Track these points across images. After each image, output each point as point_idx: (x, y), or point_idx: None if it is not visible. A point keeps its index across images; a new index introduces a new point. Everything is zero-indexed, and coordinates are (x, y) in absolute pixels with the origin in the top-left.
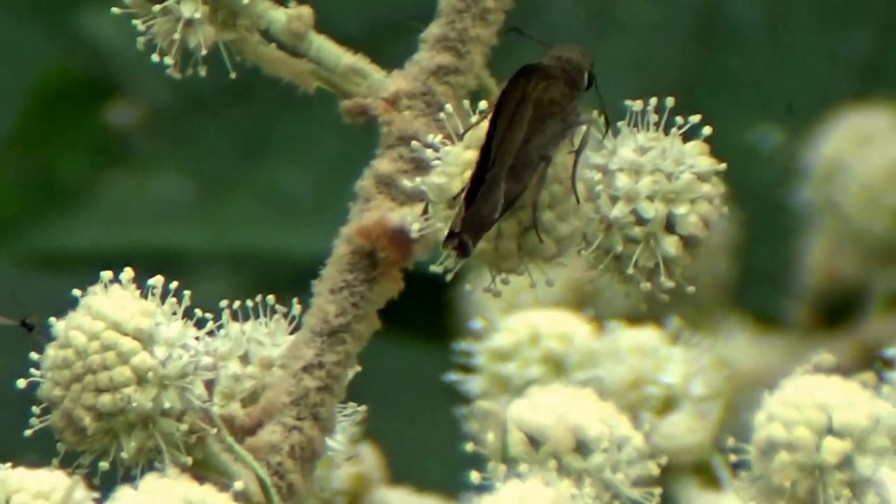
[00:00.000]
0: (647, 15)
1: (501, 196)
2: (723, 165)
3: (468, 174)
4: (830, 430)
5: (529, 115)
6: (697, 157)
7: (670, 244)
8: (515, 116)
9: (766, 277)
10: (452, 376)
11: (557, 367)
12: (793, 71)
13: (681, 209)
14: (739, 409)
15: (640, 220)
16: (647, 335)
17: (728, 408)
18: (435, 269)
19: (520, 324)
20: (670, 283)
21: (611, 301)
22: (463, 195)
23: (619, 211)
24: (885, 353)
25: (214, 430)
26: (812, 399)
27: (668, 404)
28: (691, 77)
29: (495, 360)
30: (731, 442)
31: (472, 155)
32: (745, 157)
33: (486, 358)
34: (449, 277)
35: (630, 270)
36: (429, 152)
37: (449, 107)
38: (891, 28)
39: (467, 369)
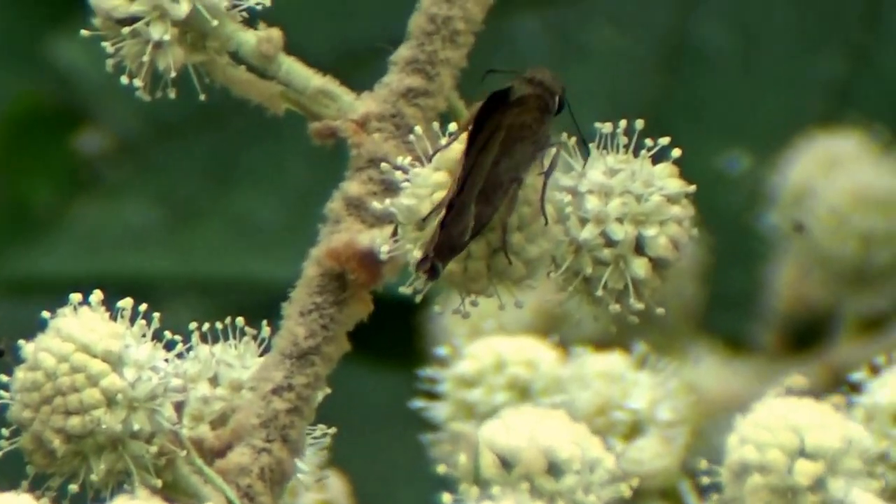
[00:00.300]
0: (615, 41)
1: (471, 219)
2: (692, 187)
3: (437, 196)
4: (803, 453)
5: (501, 138)
6: (667, 179)
7: (640, 266)
8: (488, 140)
9: (734, 301)
10: (418, 403)
11: (523, 394)
12: (761, 95)
13: (650, 231)
14: (707, 433)
15: (610, 242)
16: (614, 360)
17: (695, 432)
18: (404, 290)
19: (485, 350)
20: (639, 305)
21: (579, 325)
22: (437, 220)
23: (588, 233)
24: (851, 378)
25: (184, 453)
26: (784, 421)
27: (634, 430)
28: (659, 102)
29: (460, 386)
30: (703, 465)
31: (442, 177)
32: (714, 181)
33: (452, 384)
34: (418, 299)
35: (599, 292)
36: (398, 174)
37: (418, 129)
38: (859, 52)
39: (433, 396)
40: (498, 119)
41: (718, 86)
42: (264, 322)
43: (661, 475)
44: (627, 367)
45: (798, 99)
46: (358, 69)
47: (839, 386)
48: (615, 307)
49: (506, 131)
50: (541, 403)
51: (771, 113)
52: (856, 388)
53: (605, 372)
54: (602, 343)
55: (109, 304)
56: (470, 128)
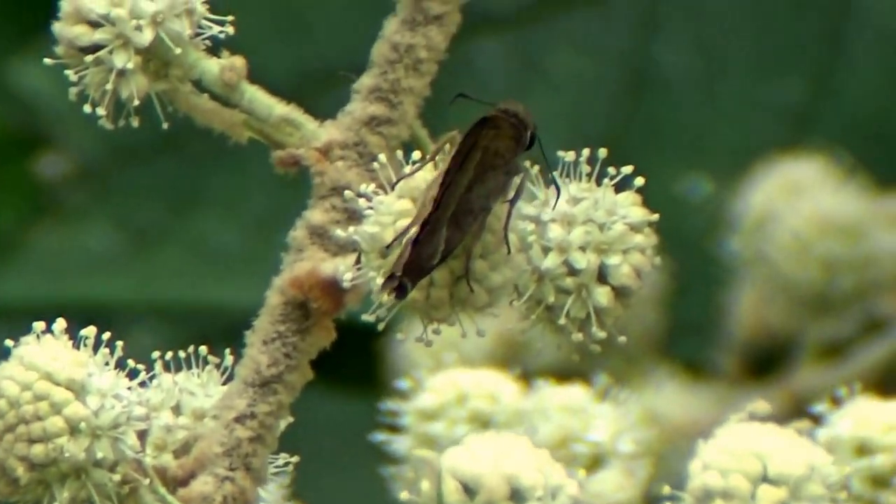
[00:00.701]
0: (577, 66)
1: (442, 242)
2: (655, 216)
3: (401, 223)
4: (766, 479)
5: (477, 159)
6: (630, 207)
7: (602, 295)
8: (464, 164)
9: (696, 327)
10: (379, 436)
11: (485, 427)
12: (723, 120)
13: (613, 260)
14: (669, 459)
15: (573, 271)
16: (575, 393)
17: (657, 458)
18: (367, 318)
19: (446, 383)
20: (602, 334)
21: (540, 355)
22: (407, 238)
23: (551, 262)
24: (812, 409)
25: (147, 481)
26: (747, 447)
27: (596, 462)
28: (620, 126)
29: (422, 419)
30: (666, 490)
31: (405, 204)
32: (675, 206)
33: (413, 418)
34: (381, 327)
35: (562, 321)
36: (361, 202)
37: (382, 157)
38: (821, 77)
39: (394, 428)
40: (474, 140)
41: (679, 110)
42: (227, 350)
43: None
44: (589, 399)
45: (760, 124)
46: (319, 94)
47: (801, 412)
48: (577, 336)
49: (482, 153)
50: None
51: (732, 138)
52: (816, 419)
53: (566, 404)
54: (563, 372)
55: (71, 330)
56: (454, 149)
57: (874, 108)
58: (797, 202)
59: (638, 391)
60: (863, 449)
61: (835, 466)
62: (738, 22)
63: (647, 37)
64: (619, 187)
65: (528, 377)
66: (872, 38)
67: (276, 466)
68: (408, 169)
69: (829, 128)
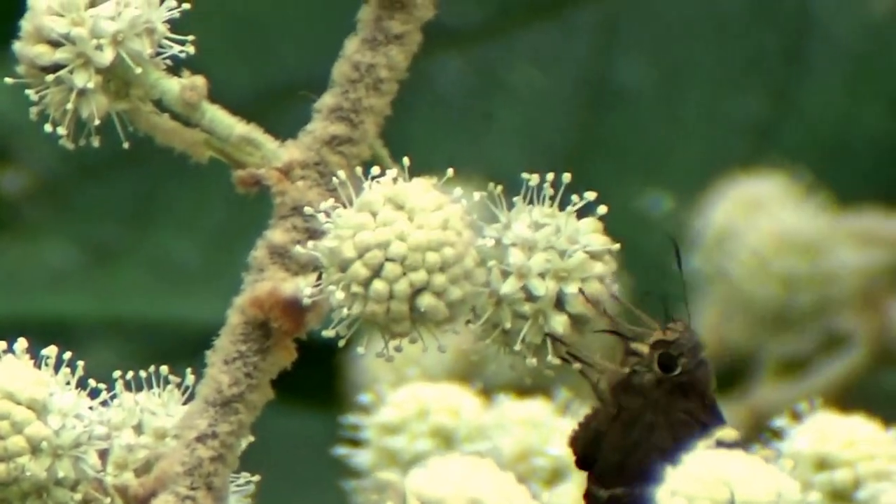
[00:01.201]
0: (537, 81)
1: None
2: (616, 245)
3: (360, 237)
4: None
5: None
6: (591, 235)
7: (559, 322)
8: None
9: None
10: (341, 450)
11: (446, 441)
12: (683, 136)
13: (571, 288)
14: None
15: (531, 297)
16: (536, 407)
17: None
18: (327, 334)
19: (408, 398)
20: (556, 361)
21: (499, 371)
22: None
23: (509, 287)
24: (773, 424)
25: (108, 500)
26: (714, 473)
27: (556, 475)
28: (580, 142)
29: (383, 433)
30: None
31: (364, 218)
32: (635, 223)
33: (375, 432)
34: (341, 343)
35: (518, 346)
36: (321, 217)
37: (342, 173)
38: (781, 93)
39: (356, 442)
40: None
41: (640, 126)
42: (188, 368)
43: None
44: (549, 413)
45: (720, 140)
46: (279, 112)
47: (761, 429)
48: (532, 361)
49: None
50: (464, 451)
51: (692, 154)
52: (777, 434)
53: (527, 419)
54: (524, 388)
55: (29, 347)
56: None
57: (834, 125)
58: (757, 219)
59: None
60: (823, 464)
61: (801, 494)
62: (698, 37)
63: (607, 52)
64: (582, 209)
65: (488, 392)
66: (832, 54)
67: (237, 486)
68: (368, 186)
69: (789, 144)
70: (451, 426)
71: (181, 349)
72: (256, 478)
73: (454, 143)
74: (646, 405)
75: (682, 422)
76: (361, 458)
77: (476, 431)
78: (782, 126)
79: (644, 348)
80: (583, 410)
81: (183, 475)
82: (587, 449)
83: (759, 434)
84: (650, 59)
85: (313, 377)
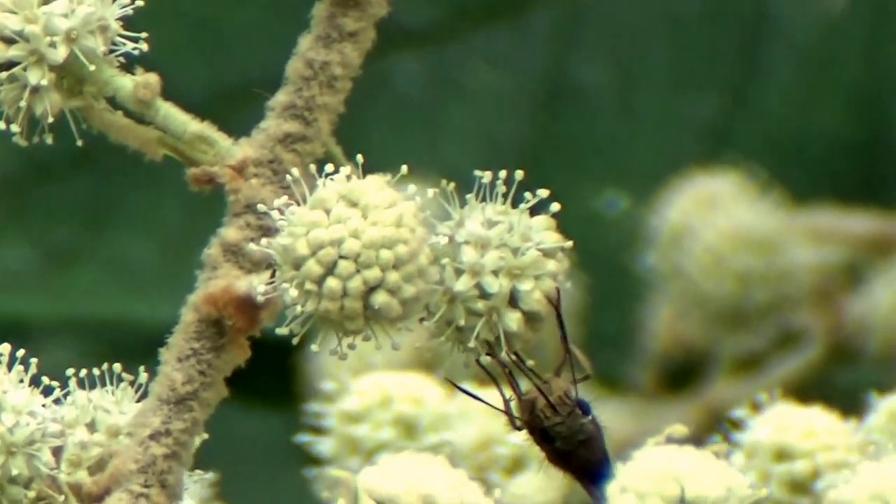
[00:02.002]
0: (493, 81)
1: None
2: (569, 242)
3: (313, 235)
4: (683, 501)
5: None
6: (544, 232)
7: (512, 320)
8: None
9: (611, 341)
10: (304, 437)
11: (409, 430)
12: (639, 135)
13: (525, 285)
14: None
15: (484, 294)
16: (497, 396)
17: None
18: (281, 331)
19: (371, 386)
20: (510, 358)
21: (453, 368)
22: None
23: (462, 285)
24: (733, 414)
25: (62, 498)
26: (665, 470)
27: (517, 464)
28: (537, 142)
29: (346, 421)
30: None
31: (317, 216)
32: (591, 221)
33: (338, 420)
34: (295, 341)
35: (471, 343)
36: (275, 215)
37: (295, 171)
38: (736, 91)
39: (319, 430)
40: None
41: (596, 125)
42: (142, 367)
43: None
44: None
45: (676, 139)
46: (233, 110)
47: (716, 426)
48: (486, 358)
49: None
50: (427, 440)
51: (649, 153)
52: (737, 424)
53: (489, 408)
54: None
55: None
56: None
57: (789, 123)
58: (713, 216)
59: None
60: (782, 454)
61: (751, 489)
62: (653, 37)
63: (563, 52)
64: (535, 207)
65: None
66: (788, 53)
67: (192, 482)
68: (322, 183)
69: (744, 142)
70: (414, 415)
71: (137, 348)
72: (210, 475)
73: (410, 142)
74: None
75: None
76: (324, 446)
77: (439, 420)
78: (738, 124)
79: (527, 406)
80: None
81: (136, 473)
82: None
83: (714, 431)
84: (606, 59)
85: (267, 375)
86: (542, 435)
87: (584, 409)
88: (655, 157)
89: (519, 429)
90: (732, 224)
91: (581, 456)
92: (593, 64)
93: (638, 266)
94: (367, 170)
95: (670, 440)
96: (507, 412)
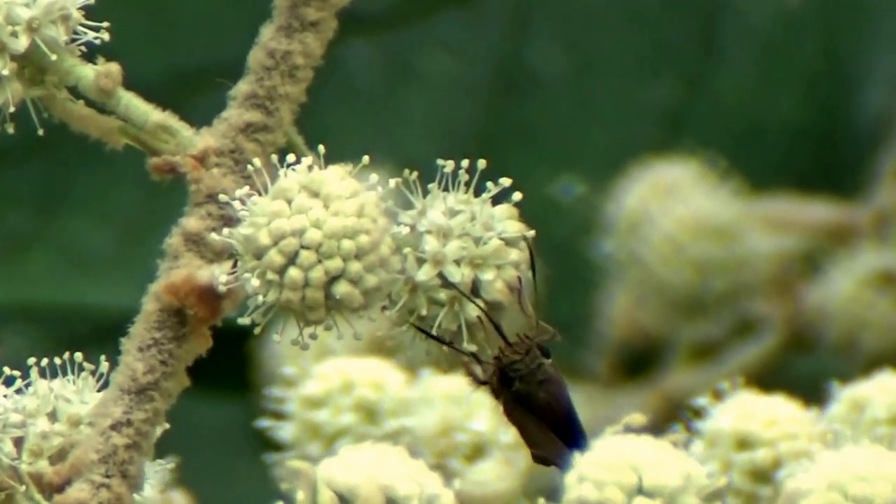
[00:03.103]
0: (448, 67)
1: None
2: (531, 232)
3: (275, 225)
4: (641, 491)
5: None
6: (506, 221)
7: (474, 309)
8: None
9: (568, 328)
10: (264, 422)
11: (370, 415)
12: (595, 121)
13: (487, 275)
14: None
15: (446, 284)
16: (459, 383)
17: None
18: (243, 321)
19: (332, 371)
20: (472, 348)
21: (414, 357)
22: None
23: (425, 274)
24: (695, 402)
25: (23, 488)
26: (622, 459)
27: (478, 451)
28: (492, 127)
29: (307, 406)
30: (541, 503)
31: (280, 206)
32: (547, 208)
33: (299, 405)
34: (257, 331)
35: (433, 333)
36: (236, 205)
37: (257, 161)
38: (694, 79)
39: (279, 416)
40: None
41: (552, 111)
42: (102, 357)
43: (504, 497)
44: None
45: (632, 125)
46: (192, 96)
47: (673, 413)
48: (448, 348)
49: None
50: (388, 425)
51: (605, 139)
52: (697, 412)
53: (450, 394)
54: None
55: None
56: None
57: (747, 111)
58: (670, 204)
59: None
60: (744, 443)
61: (710, 479)
62: (610, 23)
63: (518, 37)
64: (497, 196)
65: (413, 368)
66: (745, 41)
67: (154, 472)
68: (283, 173)
69: (702, 130)
70: (375, 400)
71: (94, 335)
72: (171, 465)
73: (364, 127)
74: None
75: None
76: (285, 431)
77: (400, 406)
78: (695, 112)
79: (491, 360)
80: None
81: (98, 463)
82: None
83: (671, 419)
84: (563, 45)
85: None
86: (502, 378)
87: (544, 351)
88: (612, 144)
89: (482, 383)
90: (690, 212)
91: (542, 400)
92: (549, 50)
93: (594, 253)
94: (325, 158)
95: (628, 429)
96: (470, 363)
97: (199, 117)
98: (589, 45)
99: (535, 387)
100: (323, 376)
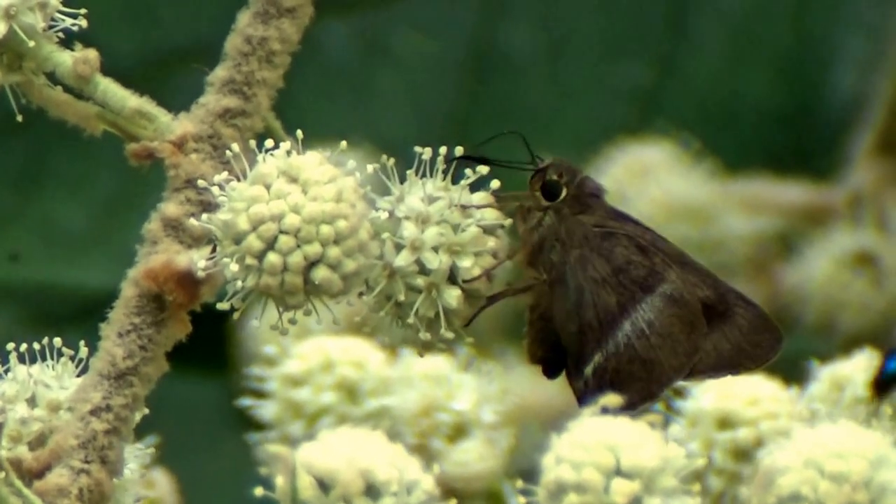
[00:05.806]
0: (423, 47)
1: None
2: (508, 220)
3: (253, 210)
4: (619, 472)
5: None
6: (484, 209)
7: (452, 296)
8: None
9: None
10: (245, 401)
11: (351, 394)
12: (569, 102)
13: (465, 262)
14: (519, 439)
15: (424, 270)
16: (440, 362)
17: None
18: (222, 306)
19: (313, 350)
20: (449, 335)
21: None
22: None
23: (402, 260)
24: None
25: (2, 474)
26: (600, 441)
27: (459, 431)
28: (466, 108)
29: (288, 385)
30: (518, 485)
31: (258, 191)
32: (521, 188)
33: (280, 383)
34: (236, 316)
35: (411, 319)
36: (215, 190)
37: (235, 146)
38: (668, 60)
39: (260, 394)
40: None
41: (525, 92)
42: (81, 342)
43: (485, 477)
44: (452, 369)
45: (606, 106)
46: (167, 77)
47: None
48: (425, 335)
49: None
50: (369, 404)
51: (578, 120)
52: (678, 392)
53: (431, 373)
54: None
55: None
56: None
57: (720, 92)
58: (645, 185)
59: (498, 370)
60: (725, 422)
61: (688, 460)
62: (583, 3)
63: (492, 17)
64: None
65: (392, 349)
66: (717, 22)
67: (133, 456)
68: (261, 158)
69: (675, 111)
70: (356, 379)
71: (70, 315)
72: (150, 450)
73: (338, 107)
74: (562, 244)
75: (604, 238)
76: (266, 410)
77: (381, 385)
78: (668, 93)
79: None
80: (486, 367)
81: (77, 448)
82: None
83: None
84: (536, 25)
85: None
86: (549, 191)
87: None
88: (585, 125)
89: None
90: (665, 193)
91: (592, 190)
92: (523, 30)
93: None
94: (300, 138)
95: (605, 411)
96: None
97: (177, 99)
98: (563, 25)
99: (581, 180)
100: (303, 355)
